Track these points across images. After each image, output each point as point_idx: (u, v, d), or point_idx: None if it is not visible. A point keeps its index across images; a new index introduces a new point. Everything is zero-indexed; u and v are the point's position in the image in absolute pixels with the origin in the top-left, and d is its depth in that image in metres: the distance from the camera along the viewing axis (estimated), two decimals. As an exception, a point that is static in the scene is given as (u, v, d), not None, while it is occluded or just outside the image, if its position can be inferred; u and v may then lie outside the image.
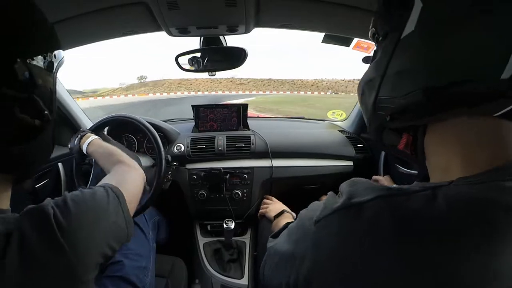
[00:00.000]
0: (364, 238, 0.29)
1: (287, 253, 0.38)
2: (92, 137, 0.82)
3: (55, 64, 0.40)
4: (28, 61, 0.34)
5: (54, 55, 0.39)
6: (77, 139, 0.83)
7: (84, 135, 0.83)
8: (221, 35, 0.97)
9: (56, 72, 0.41)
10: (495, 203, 0.26)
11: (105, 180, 0.54)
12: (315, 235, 0.33)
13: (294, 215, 0.93)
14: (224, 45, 1.01)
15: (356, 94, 0.44)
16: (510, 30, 0.25)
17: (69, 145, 0.86)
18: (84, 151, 0.80)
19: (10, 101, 0.33)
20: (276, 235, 0.49)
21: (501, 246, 0.25)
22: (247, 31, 0.91)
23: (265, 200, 1.18)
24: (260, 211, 1.11)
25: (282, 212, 0.92)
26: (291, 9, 0.82)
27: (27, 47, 0.35)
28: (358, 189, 0.32)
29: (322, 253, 0.32)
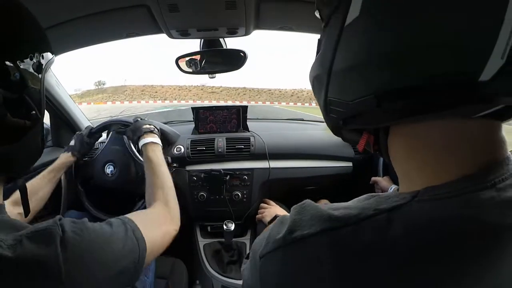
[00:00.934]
0: (304, 278, 0.26)
1: (245, 281, 0.36)
2: (157, 140, 0.80)
3: (44, 65, 0.40)
4: (17, 62, 0.35)
5: (42, 55, 0.39)
6: (139, 129, 0.80)
7: (151, 130, 0.81)
8: (221, 37, 0.98)
9: (45, 73, 0.41)
10: (466, 219, 0.22)
11: (139, 220, 0.48)
12: (260, 270, 0.31)
13: None
14: (224, 47, 1.02)
15: None
16: (489, 19, 0.19)
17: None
18: (140, 145, 0.78)
19: None
20: (247, 257, 0.46)
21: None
22: (247, 33, 0.92)
23: (262, 205, 1.17)
24: (257, 216, 1.11)
25: (275, 218, 0.90)
26: (291, 11, 0.83)
27: (17, 48, 0.35)
28: (302, 219, 0.28)
29: None
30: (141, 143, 0.79)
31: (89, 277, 0.36)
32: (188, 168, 1.20)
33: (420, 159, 0.26)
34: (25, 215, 0.50)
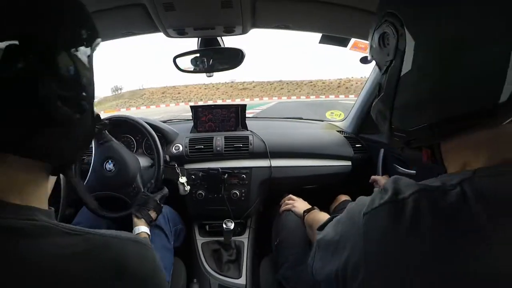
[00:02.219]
0: (407, 229, 0.32)
1: (337, 243, 0.41)
2: (148, 230, 0.86)
3: (92, 51, 0.37)
4: (71, 51, 0.32)
5: (92, 40, 0.36)
6: (145, 207, 0.89)
7: (149, 222, 0.89)
8: (218, 36, 0.98)
9: (93, 53, 0.37)
10: None
11: None
12: (364, 227, 0.36)
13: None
14: (222, 46, 1.02)
15: None
16: (499, 58, 0.29)
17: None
18: (135, 230, 0.85)
19: (52, 90, 0.30)
20: (322, 228, 0.52)
21: None
22: (244, 32, 0.91)
23: (290, 196, 1.14)
24: (285, 207, 1.09)
25: (313, 208, 0.94)
26: (288, 10, 0.82)
27: (73, 35, 0.34)
28: (401, 186, 0.35)
29: (371, 244, 0.35)
30: (138, 229, 0.85)
31: None
32: (187, 166, 1.20)
33: (467, 156, 0.34)
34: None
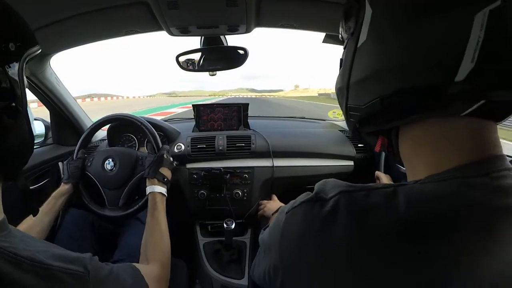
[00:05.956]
0: (322, 228, 0.31)
1: (266, 242, 0.41)
2: (165, 192, 0.86)
3: (24, 55, 0.39)
4: None
5: (18, 44, 0.37)
6: (156, 168, 0.88)
7: (163, 180, 0.87)
8: (221, 34, 0.97)
9: (24, 63, 0.39)
10: (461, 198, 0.26)
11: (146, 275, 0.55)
12: (283, 224, 0.36)
13: None
14: (225, 44, 1.01)
15: None
16: (459, 31, 0.25)
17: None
18: (149, 191, 0.84)
19: None
20: (265, 228, 0.52)
21: (461, 249, 0.25)
22: (248, 30, 0.91)
23: (260, 201, 1.20)
24: (259, 212, 1.14)
25: (279, 209, 0.93)
26: (292, 9, 0.82)
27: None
28: (326, 187, 0.34)
29: (286, 242, 0.35)
30: (150, 189, 0.84)
31: None
32: (189, 166, 1.20)
33: (422, 155, 0.32)
34: (34, 215, 0.53)
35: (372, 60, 0.32)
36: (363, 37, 0.33)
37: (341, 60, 0.40)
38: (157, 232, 0.74)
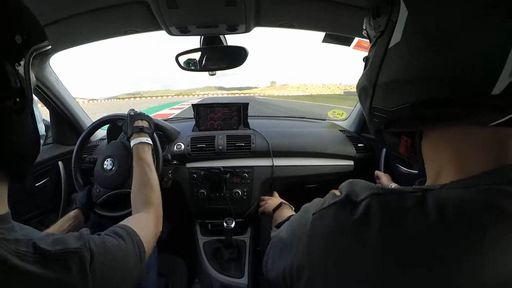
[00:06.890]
0: (355, 231, 0.30)
1: (286, 241, 0.40)
2: (148, 139, 0.83)
3: (31, 49, 0.38)
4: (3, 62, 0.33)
5: (25, 40, 0.36)
6: (131, 126, 0.84)
7: (141, 129, 0.83)
8: (221, 34, 0.97)
9: (31, 58, 0.38)
10: (487, 205, 0.26)
11: (138, 227, 0.53)
12: (311, 225, 0.35)
13: (292, 207, 0.96)
14: (225, 44, 1.01)
15: None
16: (500, 46, 0.25)
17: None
18: (131, 145, 0.81)
19: None
20: (279, 226, 0.51)
21: (488, 257, 0.25)
22: (247, 30, 0.91)
23: (262, 197, 1.21)
24: (260, 209, 1.15)
25: (280, 205, 0.96)
26: (291, 8, 0.82)
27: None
28: (356, 189, 0.34)
29: (315, 243, 0.34)
30: (132, 143, 0.81)
31: None
32: (188, 165, 1.20)
33: (445, 158, 0.32)
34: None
35: (406, 65, 0.31)
36: (396, 39, 0.31)
37: (366, 58, 0.39)
38: (148, 185, 0.73)
